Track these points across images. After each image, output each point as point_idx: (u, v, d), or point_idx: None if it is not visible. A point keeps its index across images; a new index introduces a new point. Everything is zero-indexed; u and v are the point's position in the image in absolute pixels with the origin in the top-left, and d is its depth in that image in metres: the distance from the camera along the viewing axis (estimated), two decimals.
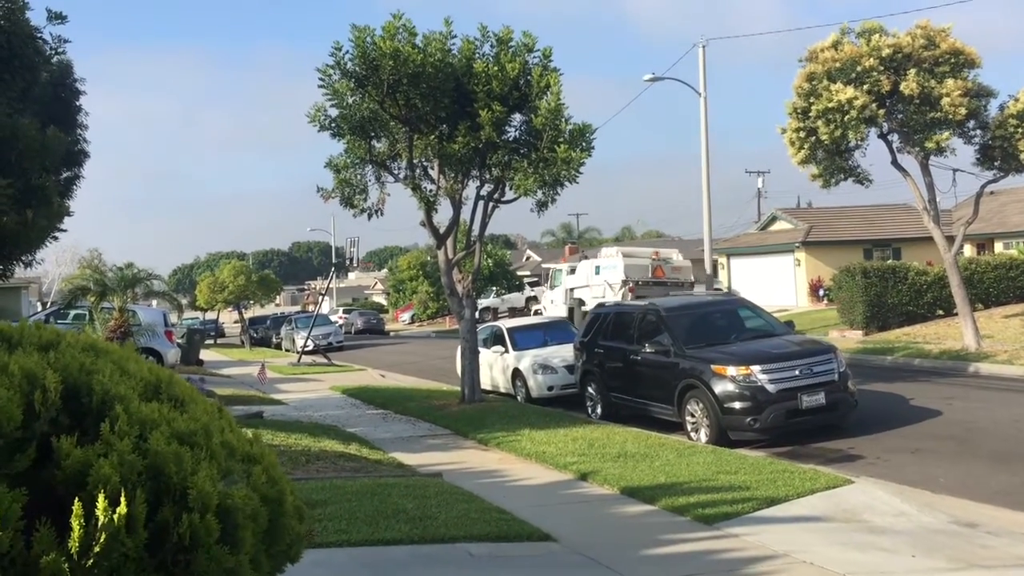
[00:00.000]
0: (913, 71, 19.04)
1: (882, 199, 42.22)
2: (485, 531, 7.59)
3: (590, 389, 15.61)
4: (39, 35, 11.45)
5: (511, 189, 15.59)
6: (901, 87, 19.12)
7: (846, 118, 19.03)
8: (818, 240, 39.75)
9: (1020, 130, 19.25)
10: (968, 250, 35.97)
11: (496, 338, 19.70)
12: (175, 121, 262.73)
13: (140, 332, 20.24)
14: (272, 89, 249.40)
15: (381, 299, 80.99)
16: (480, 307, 38.17)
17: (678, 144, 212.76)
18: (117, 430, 2.10)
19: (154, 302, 24.42)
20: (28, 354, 2.28)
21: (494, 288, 55.03)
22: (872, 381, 16.74)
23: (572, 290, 32.36)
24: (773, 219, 46.05)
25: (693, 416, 12.66)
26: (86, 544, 1.85)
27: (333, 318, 52.21)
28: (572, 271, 33.24)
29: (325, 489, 9.09)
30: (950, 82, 18.89)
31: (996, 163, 20.22)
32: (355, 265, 45.65)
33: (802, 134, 20.15)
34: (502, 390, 19.16)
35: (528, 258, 76.74)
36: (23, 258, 13.61)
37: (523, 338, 19.27)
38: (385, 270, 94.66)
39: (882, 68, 19.30)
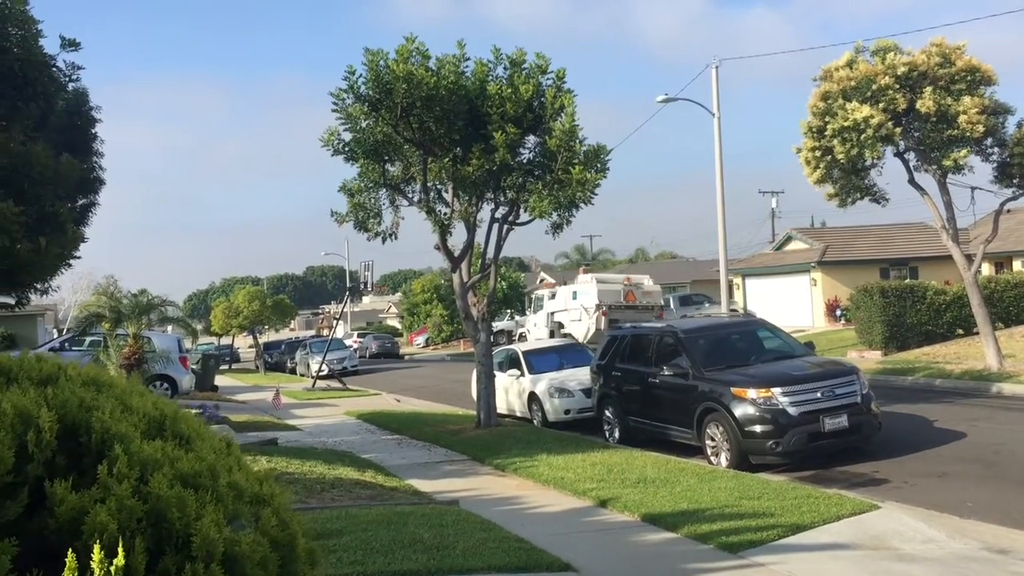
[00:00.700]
0: (929, 89, 18.89)
1: (899, 218, 41.95)
2: (504, 561, 7.40)
3: (608, 413, 15.42)
4: (53, 63, 11.44)
5: (526, 211, 15.50)
6: (917, 105, 18.96)
7: (862, 137, 18.88)
8: (834, 260, 39.44)
9: None
10: (986, 269, 35.61)
11: (512, 361, 19.53)
12: (192, 148, 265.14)
13: (155, 358, 20.17)
14: (287, 115, 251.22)
15: (395, 323, 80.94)
16: (495, 330, 39.58)
17: (692, 165, 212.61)
18: (116, 472, 1.96)
19: (169, 328, 24.36)
20: (24, 390, 2.15)
21: (509, 311, 54.82)
22: (894, 402, 16.48)
23: (552, 314, 34.12)
24: (788, 239, 45.76)
25: (713, 440, 12.44)
26: None
27: (347, 342, 52.10)
28: (553, 296, 35.03)
29: (340, 518, 8.93)
30: (967, 100, 18.72)
31: (1015, 181, 20.01)
32: (369, 289, 45.54)
33: (818, 153, 20.00)
34: (518, 414, 18.97)
35: (542, 280, 76.51)
36: (38, 285, 13.57)
37: (539, 361, 19.09)
38: (399, 294, 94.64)
39: (898, 86, 19.16)
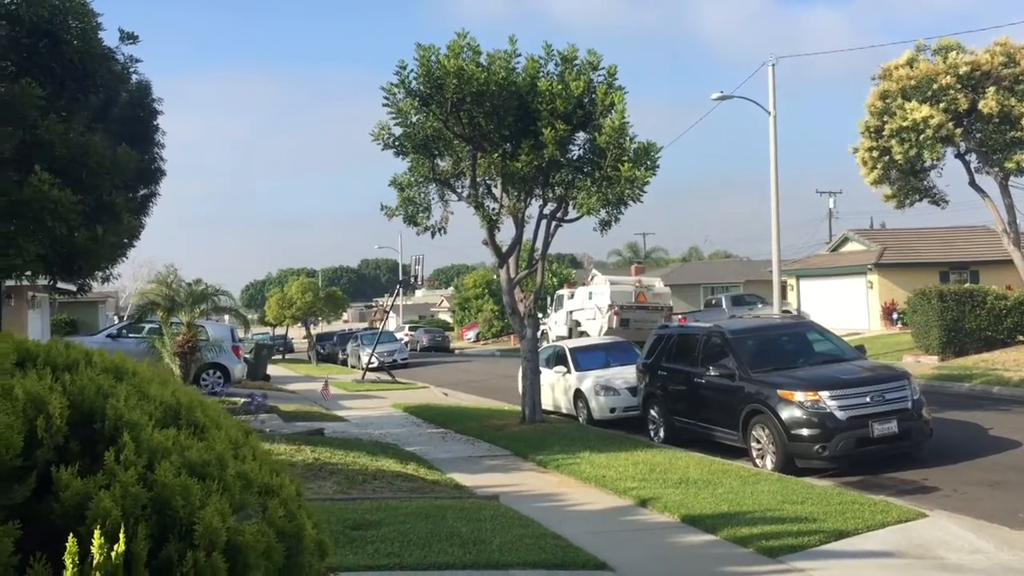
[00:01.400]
0: (992, 89, 18.45)
1: (959, 221, 41.01)
2: (540, 558, 7.40)
3: (653, 412, 15.32)
4: (112, 55, 11.67)
5: (574, 208, 15.45)
6: (979, 105, 18.54)
7: (921, 137, 18.53)
8: (892, 262, 38.69)
9: None
10: None
11: (558, 358, 19.51)
12: (251, 141, 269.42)
13: (208, 347, 20.51)
14: (346, 109, 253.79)
15: (447, 317, 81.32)
16: (543, 327, 41.00)
17: (747, 164, 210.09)
18: (123, 459, 1.99)
19: (226, 317, 24.78)
20: (42, 376, 2.21)
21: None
22: (948, 409, 16.12)
23: (571, 313, 36.07)
24: (845, 240, 44.99)
25: (759, 442, 12.29)
26: None
27: (399, 335, 52.48)
28: (571, 296, 37.10)
29: (380, 510, 9.00)
30: None
31: None
32: (420, 283, 45.83)
33: (875, 154, 19.69)
34: (563, 411, 18.95)
35: (593, 277, 76.23)
36: (97, 273, 13.89)
37: (585, 359, 19.04)
38: (451, 288, 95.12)
39: (959, 86, 18.75)
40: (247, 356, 30.05)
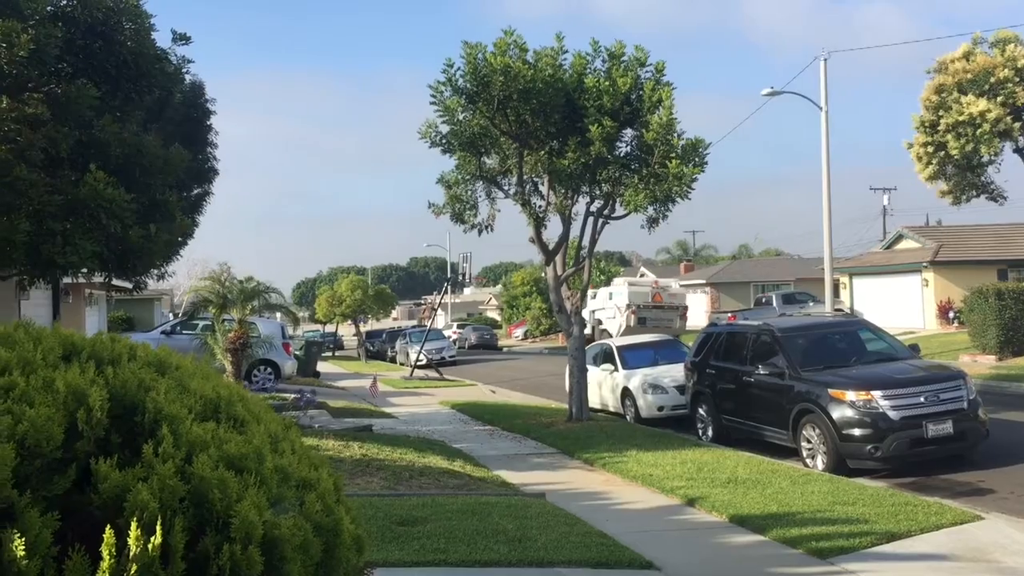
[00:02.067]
0: None
1: (1018, 217, 40.00)
2: (585, 556, 7.37)
3: (701, 411, 15.19)
4: (165, 56, 11.85)
5: (621, 205, 15.39)
6: None
7: (978, 132, 18.13)
8: (948, 259, 37.86)
9: None
10: None
11: (606, 356, 19.43)
12: (304, 140, 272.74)
13: (259, 343, 20.76)
14: (396, 109, 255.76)
15: (495, 314, 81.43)
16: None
17: (799, 160, 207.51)
18: (161, 452, 2.01)
19: (277, 315, 25.08)
20: (85, 369, 2.24)
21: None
22: (1005, 410, 15.75)
23: (593, 312, 37.87)
24: (899, 237, 44.14)
25: (809, 442, 12.12)
26: None
27: (447, 333, 52.71)
28: (594, 296, 38.45)
29: (426, 506, 9.04)
30: None
31: None
32: (468, 281, 46.08)
33: (930, 149, 19.31)
34: (611, 409, 18.87)
35: (642, 275, 75.91)
36: (152, 271, 14.14)
37: (633, 357, 18.93)
38: (499, 286, 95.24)
39: (1018, 79, 18.31)
40: (297, 353, 30.40)
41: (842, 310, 33.73)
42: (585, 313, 38.75)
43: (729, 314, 32.26)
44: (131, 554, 1.78)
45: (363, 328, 56.72)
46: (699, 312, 55.94)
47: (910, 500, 9.34)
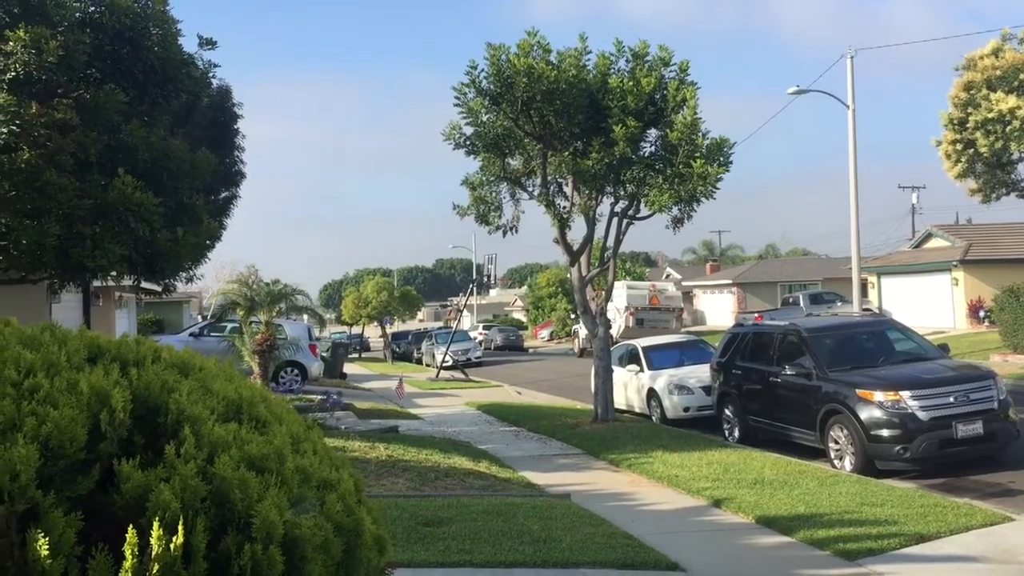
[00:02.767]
0: None
1: None
2: (610, 557, 7.36)
3: (727, 411, 15.11)
4: (192, 60, 11.96)
5: (645, 205, 15.35)
6: None
7: (1008, 129, 17.91)
8: (978, 258, 37.39)
9: None
10: None
11: (631, 357, 19.37)
12: (331, 144, 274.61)
13: (286, 345, 20.89)
14: (421, 112, 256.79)
15: (520, 316, 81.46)
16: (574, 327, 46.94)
17: (826, 159, 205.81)
18: (183, 453, 2.04)
19: (304, 316, 25.24)
20: (108, 371, 2.27)
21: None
22: None
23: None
24: (928, 236, 43.67)
25: (837, 443, 12.02)
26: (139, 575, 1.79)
27: (473, 334, 52.78)
28: None
29: (452, 507, 9.07)
30: None
31: None
32: (493, 282, 46.25)
33: (959, 147, 19.11)
34: (637, 410, 18.81)
35: (667, 276, 75.63)
36: (181, 273, 14.28)
37: (658, 357, 18.87)
38: (524, 287, 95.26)
39: None
40: (324, 354, 30.57)
41: (870, 310, 33.44)
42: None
43: (756, 314, 32.15)
44: (153, 554, 1.81)
45: (389, 330, 56.88)
46: (725, 312, 55.70)
47: (939, 501, 9.24)
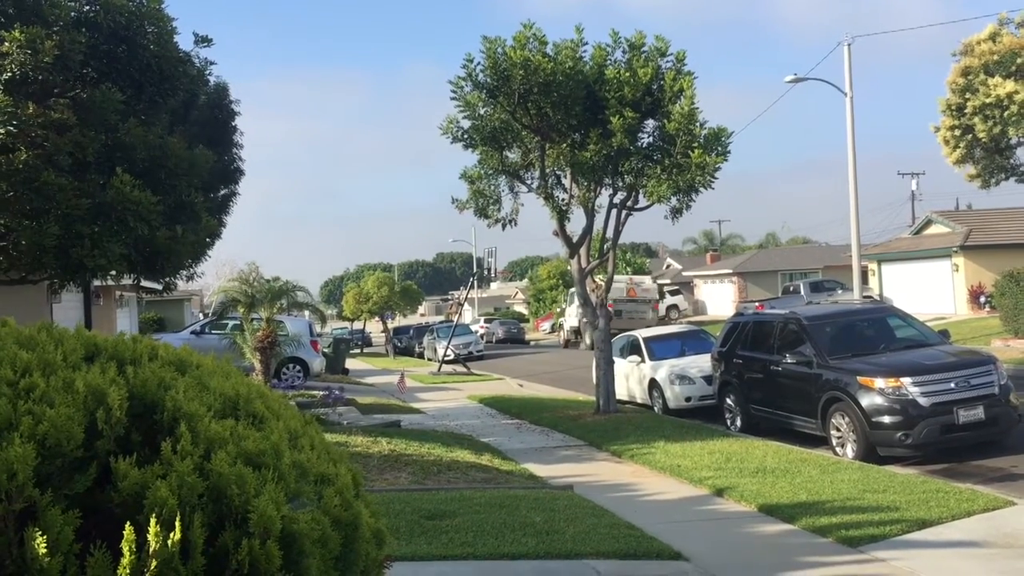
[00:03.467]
0: None
1: None
2: (613, 548, 7.38)
3: (729, 401, 15.13)
4: (188, 58, 11.95)
5: (644, 196, 15.35)
6: None
7: (1006, 114, 17.88)
8: (978, 244, 37.36)
9: None
10: None
11: (632, 347, 19.38)
12: (331, 140, 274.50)
13: (287, 342, 20.89)
14: (422, 107, 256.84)
15: (522, 308, 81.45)
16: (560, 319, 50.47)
17: (825, 147, 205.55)
18: (180, 450, 2.05)
19: (305, 313, 25.27)
20: (105, 369, 2.28)
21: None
22: None
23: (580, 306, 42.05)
24: (928, 223, 43.64)
25: (838, 430, 12.04)
26: (137, 572, 1.80)
27: (474, 327, 52.82)
28: None
29: (454, 500, 9.09)
30: None
31: None
32: (494, 275, 46.46)
33: (957, 132, 19.09)
34: (638, 401, 18.84)
35: (668, 266, 75.65)
36: (181, 272, 14.28)
37: (660, 348, 18.88)
38: (525, 279, 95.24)
39: None
40: (326, 350, 30.57)
41: (871, 297, 33.44)
42: (572, 308, 42.27)
43: (757, 303, 32.20)
44: (151, 550, 1.82)
45: (390, 324, 56.92)
46: (726, 302, 55.70)
47: (941, 487, 9.26)
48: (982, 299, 35.43)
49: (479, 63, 14.48)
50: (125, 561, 1.79)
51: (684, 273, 68.20)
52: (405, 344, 53.33)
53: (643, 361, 18.59)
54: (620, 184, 16.02)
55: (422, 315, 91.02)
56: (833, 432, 12.14)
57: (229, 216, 20.11)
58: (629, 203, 16.20)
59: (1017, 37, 18.39)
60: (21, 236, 9.43)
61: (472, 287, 54.92)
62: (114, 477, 1.96)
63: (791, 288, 46.52)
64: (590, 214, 16.31)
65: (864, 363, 12.21)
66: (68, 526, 1.81)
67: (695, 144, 14.08)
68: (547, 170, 16.00)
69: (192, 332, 25.53)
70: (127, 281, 14.29)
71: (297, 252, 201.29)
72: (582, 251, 16.66)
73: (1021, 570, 6.72)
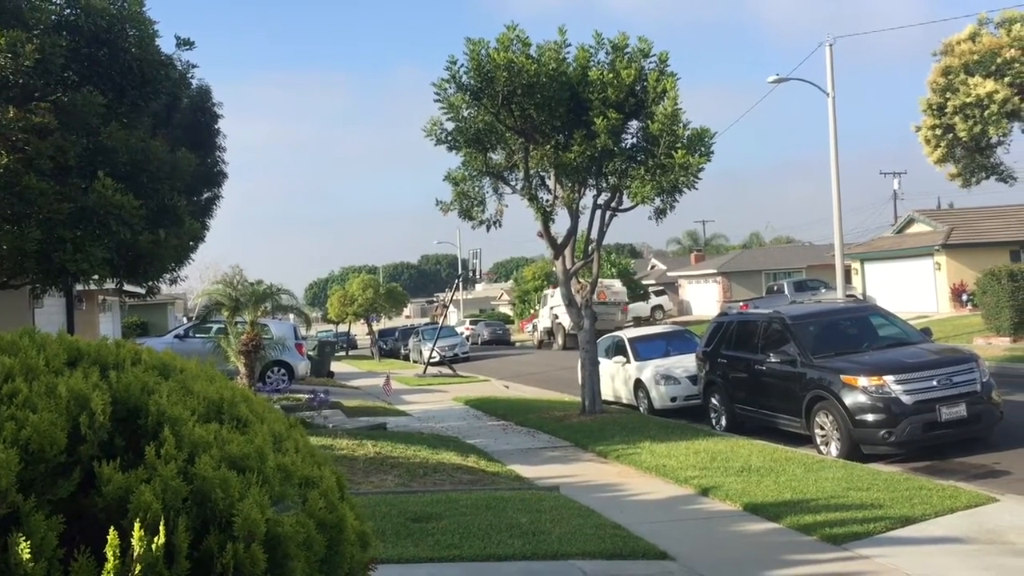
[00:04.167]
0: None
1: None
2: (599, 548, 7.40)
3: (714, 400, 15.18)
4: (170, 61, 11.89)
5: (628, 197, 15.38)
6: None
7: (986, 113, 18.03)
8: (960, 242, 37.65)
9: None
10: None
11: (617, 348, 19.42)
12: (314, 142, 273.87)
13: (271, 345, 20.82)
14: (405, 108, 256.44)
15: (507, 310, 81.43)
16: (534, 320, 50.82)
17: (808, 147, 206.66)
18: (163, 454, 2.04)
19: (290, 316, 25.19)
20: (88, 374, 2.28)
21: None
22: (1021, 391, 15.68)
23: (552, 308, 44.32)
24: (910, 221, 43.93)
25: (822, 429, 12.11)
26: None
27: (460, 329, 52.80)
28: (553, 295, 44.31)
29: (440, 502, 9.08)
30: None
31: None
32: (479, 277, 46.68)
33: (938, 132, 19.23)
34: (624, 401, 18.88)
35: (653, 267, 75.85)
36: (164, 275, 14.20)
37: (645, 348, 18.92)
38: (511, 281, 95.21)
39: None
40: (311, 353, 30.49)
41: (854, 296, 33.61)
42: (546, 310, 45.42)
43: (741, 303, 32.34)
44: (135, 554, 1.81)
45: (376, 327, 56.81)
46: (710, 302, 55.89)
47: (924, 484, 9.32)
48: (964, 297, 35.69)
49: (462, 65, 14.49)
50: (109, 566, 1.78)
51: (669, 273, 68.42)
52: (390, 346, 53.24)
53: (628, 362, 18.63)
54: (604, 185, 16.05)
55: (407, 317, 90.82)
56: (817, 431, 12.20)
57: (212, 219, 20.00)
58: (613, 204, 16.23)
59: (996, 37, 18.53)
60: (2, 241, 9.37)
61: (457, 289, 54.89)
62: (98, 482, 1.96)
63: (775, 288, 46.81)
64: (574, 215, 16.34)
65: (847, 362, 12.28)
66: (52, 531, 1.80)
67: (678, 145, 14.12)
68: (531, 171, 16.01)
69: (176, 336, 25.41)
70: (110, 285, 14.20)
71: (281, 255, 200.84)
72: (567, 252, 16.68)
73: (1004, 566, 6.77)
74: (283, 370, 24.07)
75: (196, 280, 51.65)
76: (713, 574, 6.86)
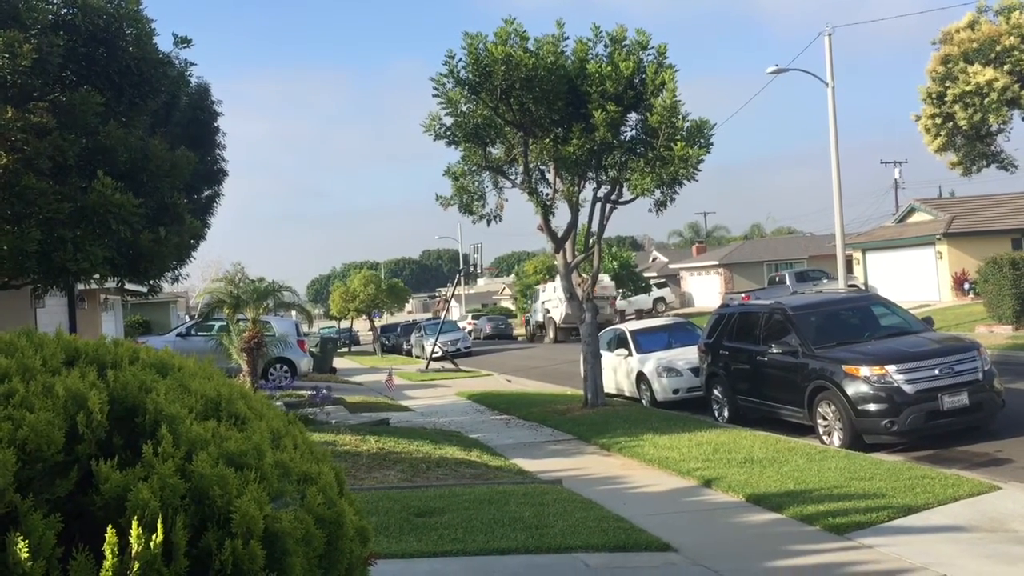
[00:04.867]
0: None
1: None
2: (602, 540, 7.41)
3: (716, 392, 15.19)
4: (168, 59, 11.88)
5: (628, 190, 15.37)
6: None
7: (986, 101, 18.00)
8: (961, 231, 37.57)
9: None
10: None
11: (619, 341, 19.42)
12: (315, 139, 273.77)
13: (274, 342, 20.81)
14: (404, 103, 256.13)
15: (509, 304, 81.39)
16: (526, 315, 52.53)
17: (809, 137, 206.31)
18: (160, 452, 2.05)
19: (292, 313, 25.21)
20: (85, 373, 2.28)
21: (620, 290, 54.35)
22: (1023, 380, 15.66)
23: (544, 302, 46.43)
24: (911, 211, 43.85)
25: (825, 419, 12.11)
26: (119, 575, 1.80)
27: (462, 324, 52.80)
28: (544, 290, 47.42)
29: (443, 497, 9.10)
30: None
31: None
32: (480, 271, 46.70)
33: (938, 120, 19.20)
34: (627, 394, 18.88)
35: (654, 259, 75.82)
36: (166, 274, 14.21)
37: (647, 341, 18.92)
38: (512, 275, 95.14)
39: None
40: (313, 350, 30.50)
41: (856, 286, 33.59)
42: (538, 304, 47.17)
43: (743, 294, 32.31)
44: (134, 552, 1.82)
45: (378, 323, 56.79)
46: (712, 294, 55.86)
47: (927, 473, 9.33)
48: (966, 286, 35.64)
49: (461, 59, 14.49)
50: (108, 564, 1.79)
51: (670, 266, 68.37)
52: (393, 342, 53.24)
53: (630, 354, 18.63)
54: (604, 178, 16.04)
55: (409, 312, 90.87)
56: (819, 421, 12.21)
57: (213, 217, 20.03)
58: (613, 197, 16.23)
59: (995, 25, 18.49)
60: (2, 241, 9.37)
61: (459, 284, 54.87)
62: (96, 480, 1.96)
63: (777, 278, 46.71)
64: (574, 208, 16.33)
65: (849, 352, 12.28)
66: (50, 530, 1.81)
67: (677, 137, 14.11)
68: (531, 165, 16.01)
69: (178, 334, 25.44)
70: (111, 284, 14.22)
71: (283, 252, 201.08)
72: (567, 245, 16.68)
73: (1006, 553, 6.77)
74: (286, 367, 24.11)
75: (198, 278, 51.67)
76: (716, 565, 6.86)
